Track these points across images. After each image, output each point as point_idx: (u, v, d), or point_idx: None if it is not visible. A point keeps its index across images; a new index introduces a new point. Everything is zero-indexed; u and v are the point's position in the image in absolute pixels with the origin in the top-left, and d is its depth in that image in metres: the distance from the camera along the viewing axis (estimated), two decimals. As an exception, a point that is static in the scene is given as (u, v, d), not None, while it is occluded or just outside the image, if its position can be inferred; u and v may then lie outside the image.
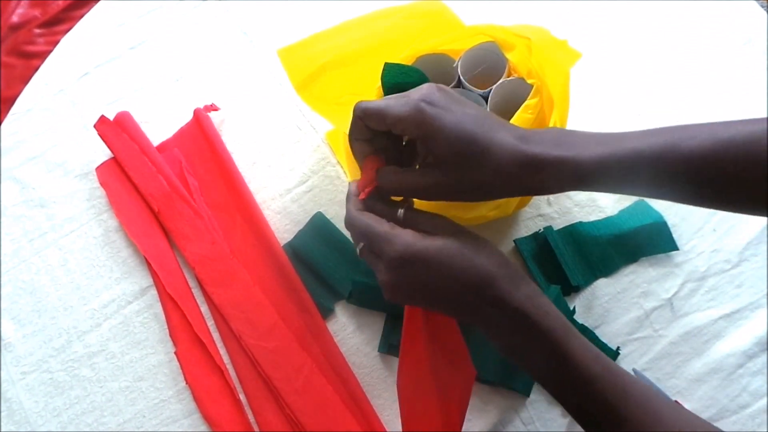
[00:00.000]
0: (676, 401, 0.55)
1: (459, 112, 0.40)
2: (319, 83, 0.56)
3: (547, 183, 0.40)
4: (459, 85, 0.56)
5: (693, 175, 0.39)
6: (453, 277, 0.40)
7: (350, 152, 0.57)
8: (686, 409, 0.40)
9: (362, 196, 0.44)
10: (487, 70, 0.56)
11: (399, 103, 0.41)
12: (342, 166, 0.64)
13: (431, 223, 0.42)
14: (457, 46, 0.56)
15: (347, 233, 0.60)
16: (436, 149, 0.41)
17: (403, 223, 0.43)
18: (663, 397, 0.40)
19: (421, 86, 0.42)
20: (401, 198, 0.46)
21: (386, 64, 0.51)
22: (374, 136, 0.45)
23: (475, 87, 0.55)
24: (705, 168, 0.39)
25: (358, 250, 0.44)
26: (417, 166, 0.47)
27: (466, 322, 0.44)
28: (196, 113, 0.66)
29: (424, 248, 0.40)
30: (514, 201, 0.54)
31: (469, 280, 0.40)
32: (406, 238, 0.41)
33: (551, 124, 0.52)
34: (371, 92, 0.54)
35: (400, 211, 0.44)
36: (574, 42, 0.55)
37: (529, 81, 0.52)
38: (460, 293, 0.41)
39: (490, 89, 0.54)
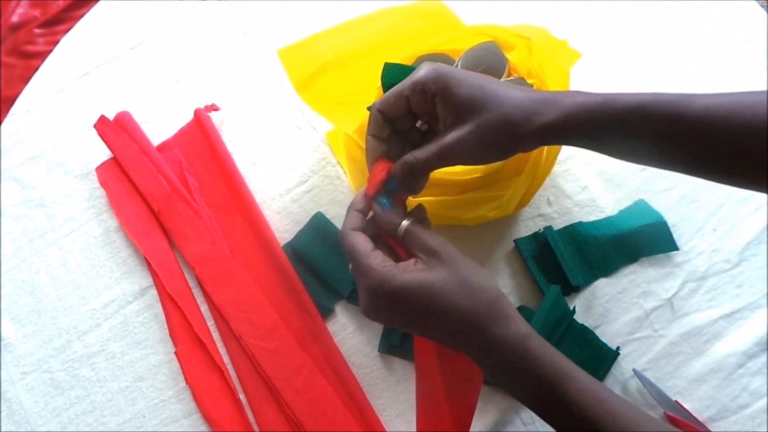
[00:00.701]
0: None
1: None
2: (319, 83, 0.56)
3: (558, 118, 0.41)
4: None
5: (702, 138, 0.39)
6: (432, 317, 0.40)
7: (350, 152, 0.57)
8: None
9: (369, 191, 0.45)
10: (487, 70, 0.56)
11: (413, 74, 0.43)
12: (342, 166, 0.64)
13: (426, 247, 0.42)
14: (457, 45, 0.56)
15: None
16: (453, 98, 0.42)
17: (402, 240, 0.43)
18: None
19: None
20: (410, 209, 0.47)
21: (386, 64, 0.51)
22: (390, 136, 0.46)
23: None
24: (714, 129, 0.39)
25: (349, 266, 0.44)
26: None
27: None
28: (197, 113, 0.65)
29: (400, 286, 0.40)
30: (514, 201, 0.54)
31: (451, 322, 0.40)
32: (382, 274, 0.40)
33: None
34: (371, 92, 0.54)
35: (403, 225, 0.43)
36: (574, 42, 0.55)
37: (529, 81, 0.52)
38: (443, 332, 0.40)
39: None
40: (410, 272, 0.40)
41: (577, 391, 0.38)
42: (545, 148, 0.52)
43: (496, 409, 0.56)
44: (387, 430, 0.56)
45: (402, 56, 0.54)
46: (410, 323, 0.41)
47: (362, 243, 0.42)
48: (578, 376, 0.39)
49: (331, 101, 0.57)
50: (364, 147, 0.47)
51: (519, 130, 0.41)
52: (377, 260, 0.41)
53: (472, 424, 0.55)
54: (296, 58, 0.56)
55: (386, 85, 0.52)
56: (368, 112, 0.51)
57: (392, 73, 0.52)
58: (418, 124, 0.47)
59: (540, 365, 0.39)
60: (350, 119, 0.55)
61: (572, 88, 0.52)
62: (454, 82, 0.42)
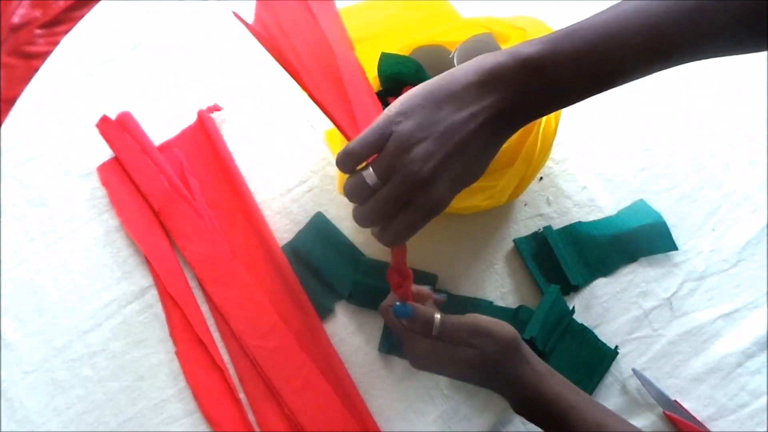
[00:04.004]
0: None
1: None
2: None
3: None
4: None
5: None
6: (465, 370, 0.48)
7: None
8: None
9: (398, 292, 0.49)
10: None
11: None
12: (342, 167, 0.64)
13: (463, 334, 0.47)
14: (453, 37, 0.56)
15: (348, 233, 0.61)
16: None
17: (440, 331, 0.47)
18: None
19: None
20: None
21: (383, 54, 0.51)
22: None
23: None
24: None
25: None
26: None
27: None
28: (200, 115, 0.66)
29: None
30: (508, 190, 0.54)
31: (482, 370, 0.47)
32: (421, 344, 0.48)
33: None
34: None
35: (437, 318, 0.48)
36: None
37: None
38: (476, 377, 0.48)
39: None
40: (456, 353, 0.47)
41: (579, 419, 0.44)
42: (539, 137, 0.52)
43: (496, 409, 0.56)
44: (384, 430, 0.56)
45: (399, 47, 0.54)
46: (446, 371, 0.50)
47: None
48: (582, 407, 0.45)
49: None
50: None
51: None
52: (423, 342, 0.48)
53: (473, 423, 0.56)
54: None
55: (383, 75, 0.52)
56: None
57: (389, 64, 0.52)
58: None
59: (549, 402, 0.45)
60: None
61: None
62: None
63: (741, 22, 0.39)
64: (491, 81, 0.39)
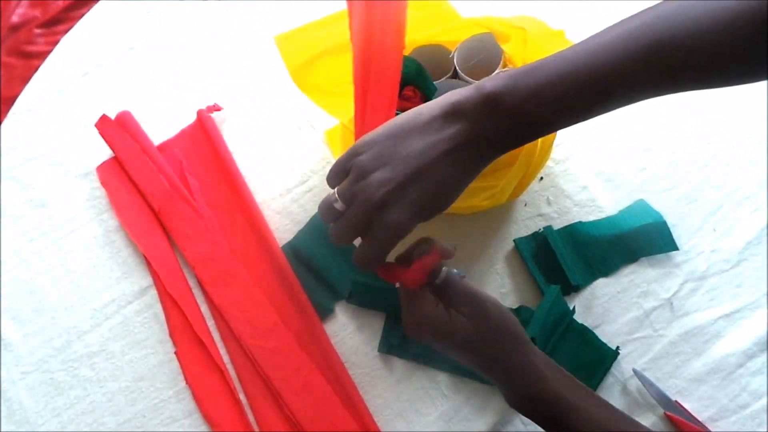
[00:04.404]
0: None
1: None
2: (316, 71, 0.56)
3: None
4: (455, 75, 0.56)
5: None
6: (468, 352, 0.46)
7: (347, 147, 0.57)
8: None
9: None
10: (483, 61, 0.56)
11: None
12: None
13: (461, 300, 0.46)
14: (453, 37, 0.56)
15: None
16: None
17: (439, 291, 0.46)
18: None
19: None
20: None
21: None
22: None
23: (471, 78, 0.55)
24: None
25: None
26: None
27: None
28: (200, 114, 0.66)
29: (445, 330, 0.45)
30: (508, 190, 0.54)
31: (484, 357, 0.46)
32: (432, 317, 0.46)
33: None
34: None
35: (445, 269, 0.46)
36: (570, 33, 0.55)
37: None
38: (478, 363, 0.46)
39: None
40: (453, 320, 0.45)
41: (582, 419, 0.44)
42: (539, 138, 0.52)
43: (496, 409, 0.56)
44: (387, 429, 0.56)
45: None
46: (447, 351, 0.47)
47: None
48: (582, 407, 0.44)
49: (327, 90, 0.56)
50: None
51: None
52: (428, 302, 0.46)
53: (473, 423, 0.56)
54: (293, 44, 0.56)
55: None
56: None
57: None
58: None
59: (551, 403, 0.44)
60: (345, 108, 0.54)
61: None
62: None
63: (693, 68, 0.41)
64: (454, 113, 0.41)
